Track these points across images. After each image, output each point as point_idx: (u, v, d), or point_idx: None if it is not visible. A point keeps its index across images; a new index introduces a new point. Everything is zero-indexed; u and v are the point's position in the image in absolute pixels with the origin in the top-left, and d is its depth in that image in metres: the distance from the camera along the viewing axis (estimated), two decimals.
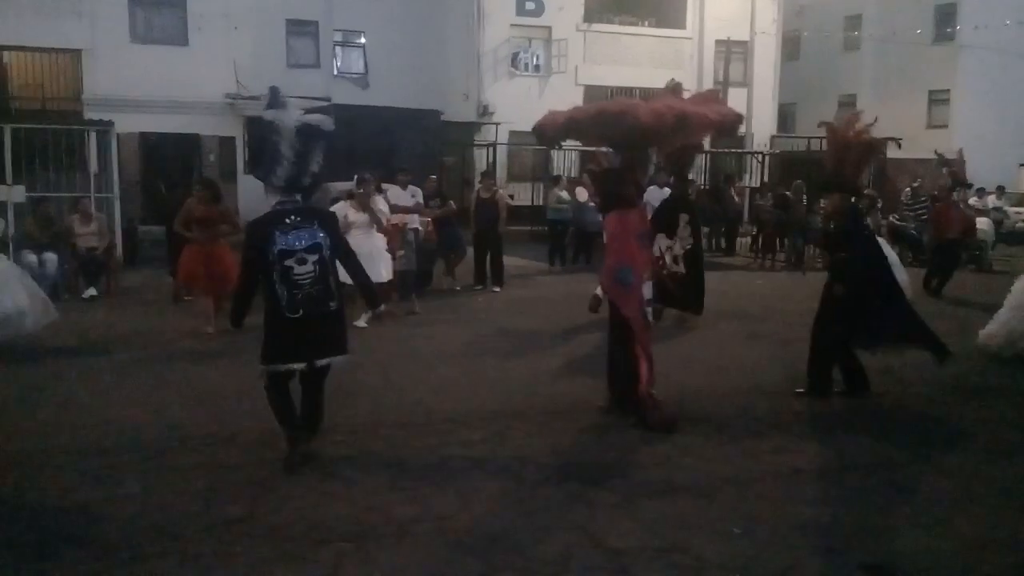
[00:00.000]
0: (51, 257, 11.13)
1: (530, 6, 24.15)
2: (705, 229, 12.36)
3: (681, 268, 9.34)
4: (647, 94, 17.35)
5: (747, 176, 23.04)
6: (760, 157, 22.74)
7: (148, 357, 8.05)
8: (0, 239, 10.59)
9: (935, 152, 15.57)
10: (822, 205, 14.66)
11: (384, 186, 10.93)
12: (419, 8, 23.73)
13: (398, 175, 11.49)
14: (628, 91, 22.49)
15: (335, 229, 5.28)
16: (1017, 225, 20.69)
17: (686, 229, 9.42)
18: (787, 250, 16.35)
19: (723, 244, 18.16)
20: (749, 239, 18.30)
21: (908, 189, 17.08)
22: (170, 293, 10.99)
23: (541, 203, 18.59)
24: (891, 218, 16.35)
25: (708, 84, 24.58)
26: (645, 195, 8.06)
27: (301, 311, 4.89)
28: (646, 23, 25.78)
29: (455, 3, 24.26)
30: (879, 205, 13.46)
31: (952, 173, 13.65)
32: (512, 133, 21.88)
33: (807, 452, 5.55)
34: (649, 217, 7.75)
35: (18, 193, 11.92)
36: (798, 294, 11.88)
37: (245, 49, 19.80)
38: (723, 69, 24.77)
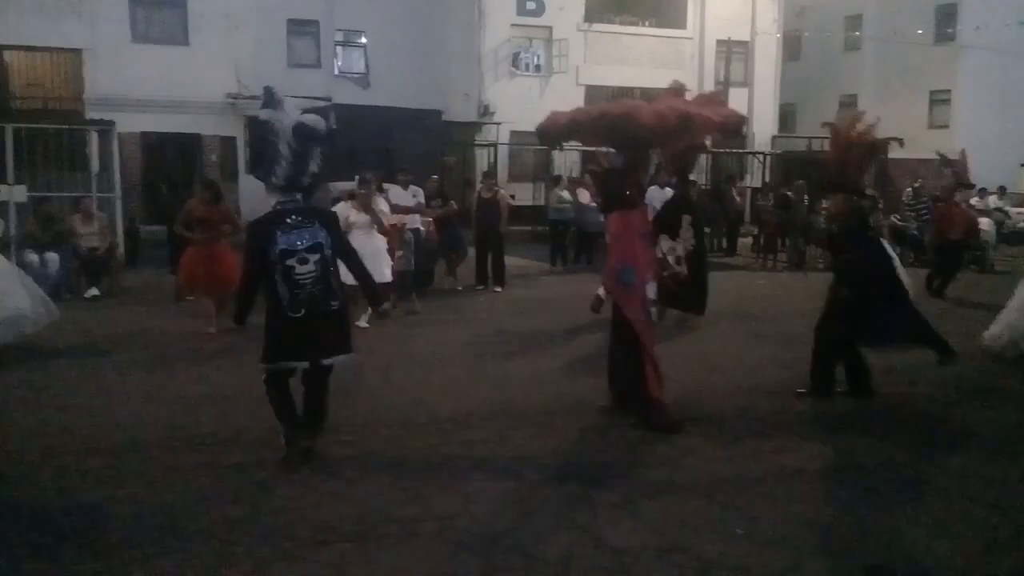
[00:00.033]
0: (53, 257, 11.14)
1: (531, 6, 24.17)
2: (706, 229, 12.34)
3: (683, 269, 9.33)
4: (648, 94, 17.33)
5: (748, 176, 23.06)
6: (761, 157, 22.77)
7: (150, 357, 8.05)
8: (0, 239, 10.56)
9: (936, 152, 15.55)
10: (824, 206, 14.70)
11: (385, 186, 10.94)
12: (420, 8, 23.73)
13: (399, 175, 11.50)
14: (629, 91, 22.54)
15: (336, 228, 5.28)
16: (1019, 225, 20.67)
17: (689, 230, 9.42)
18: (788, 250, 16.35)
19: (724, 244, 18.16)
20: (750, 239, 18.30)
21: (909, 189, 17.07)
22: (172, 292, 10.97)
23: (542, 203, 18.60)
24: (892, 218, 16.33)
25: (709, 84, 24.60)
26: (647, 195, 8.08)
27: (303, 310, 4.89)
28: (647, 23, 25.80)
29: (456, 3, 24.26)
30: (880, 205, 13.45)
31: (955, 174, 13.63)
32: (513, 133, 21.91)
33: (809, 452, 5.53)
34: (651, 218, 7.75)
35: (20, 193, 11.92)
36: (799, 294, 11.89)
37: (246, 49, 19.82)
38: (724, 69, 24.79)
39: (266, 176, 5.07)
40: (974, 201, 17.00)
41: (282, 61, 20.74)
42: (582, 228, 15.50)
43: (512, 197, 16.64)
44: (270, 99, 5.12)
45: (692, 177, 11.70)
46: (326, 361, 5.07)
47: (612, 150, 6.78)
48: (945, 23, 27.89)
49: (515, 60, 24.31)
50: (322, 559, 3.93)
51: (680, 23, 25.90)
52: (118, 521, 4.32)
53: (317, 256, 4.92)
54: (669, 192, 10.75)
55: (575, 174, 19.61)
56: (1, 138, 11.91)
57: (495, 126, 22.62)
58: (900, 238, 15.85)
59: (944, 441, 5.90)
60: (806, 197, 16.12)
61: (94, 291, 11.35)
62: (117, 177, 13.34)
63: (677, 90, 6.48)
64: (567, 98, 19.01)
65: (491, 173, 15.08)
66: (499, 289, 12.42)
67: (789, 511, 4.56)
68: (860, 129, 6.78)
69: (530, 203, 20.10)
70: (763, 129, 25.34)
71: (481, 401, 6.57)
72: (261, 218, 5.12)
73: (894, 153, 13.87)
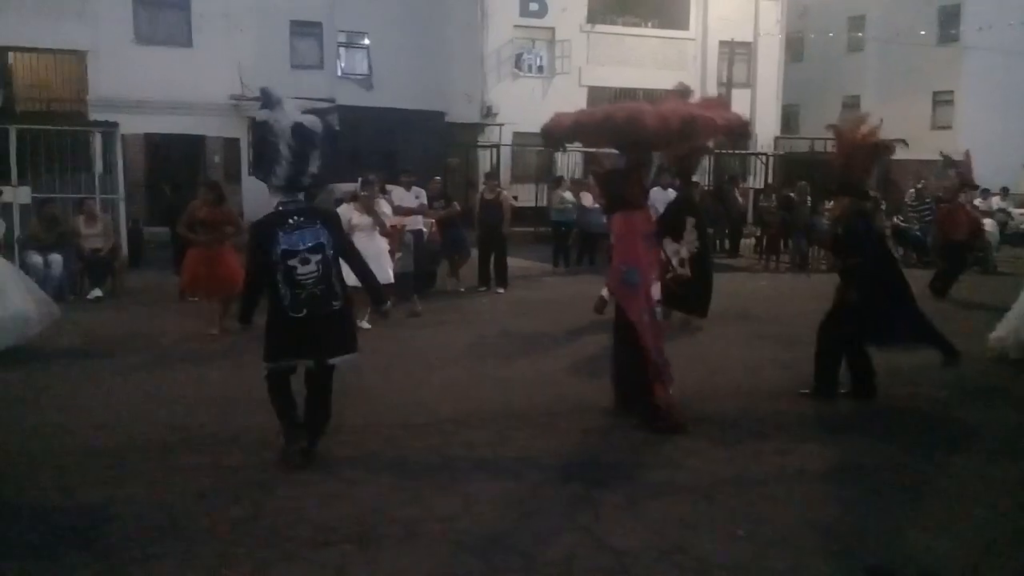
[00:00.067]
0: (56, 258, 11.15)
1: (534, 7, 24.17)
2: (709, 230, 12.34)
3: (687, 271, 9.33)
4: (651, 95, 17.31)
5: (751, 177, 23.02)
6: (764, 158, 22.74)
7: (152, 358, 8.06)
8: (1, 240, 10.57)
9: (940, 154, 15.54)
10: (827, 207, 14.69)
11: (388, 187, 10.95)
12: (423, 9, 23.76)
13: (402, 176, 11.51)
14: (631, 92, 22.58)
15: (339, 229, 5.30)
16: (1022, 227, 20.62)
17: (692, 232, 9.41)
18: (791, 251, 16.33)
19: (727, 245, 18.14)
20: (753, 240, 18.29)
21: (912, 190, 17.05)
22: (175, 293, 10.98)
23: (545, 204, 18.60)
24: (895, 219, 16.32)
25: (712, 85, 24.57)
26: (649, 197, 8.07)
27: (304, 310, 4.91)
28: (649, 24, 25.79)
29: (459, 4, 24.28)
30: (883, 207, 13.44)
31: (959, 175, 13.61)
32: (516, 134, 21.90)
33: (811, 453, 5.53)
34: (654, 220, 7.74)
35: (23, 194, 11.93)
36: (802, 295, 11.88)
37: (249, 50, 19.83)
38: (727, 70, 24.77)
39: (267, 176, 5.08)
40: (977, 202, 16.98)
41: (285, 62, 20.75)
42: (584, 229, 15.49)
43: (515, 198, 16.65)
44: (267, 100, 5.13)
45: (694, 178, 11.69)
46: (329, 361, 5.07)
47: (614, 151, 6.78)
48: (948, 24, 27.84)
49: (518, 61, 24.32)
50: (323, 560, 3.93)
51: (683, 24, 25.89)
52: (119, 521, 4.32)
53: (319, 256, 4.93)
54: (672, 193, 10.75)
55: (578, 175, 19.63)
56: (5, 139, 11.92)
57: (498, 127, 22.61)
58: (902, 239, 15.84)
59: (945, 442, 5.89)
60: (809, 198, 16.11)
61: (97, 292, 11.36)
62: (120, 178, 13.33)
63: (682, 92, 6.49)
64: (570, 99, 19.04)
65: (494, 174, 15.08)
66: (501, 290, 12.42)
67: (790, 512, 4.55)
68: (865, 131, 6.77)
69: (532, 204, 20.10)
70: (766, 130, 25.30)
71: (483, 402, 6.57)
72: (263, 218, 5.13)
73: (897, 154, 13.80)
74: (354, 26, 23.70)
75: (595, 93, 23.66)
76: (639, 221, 6.18)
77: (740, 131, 6.64)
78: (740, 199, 18.52)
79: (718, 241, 17.91)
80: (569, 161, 20.59)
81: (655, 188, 10.67)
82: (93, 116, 17.47)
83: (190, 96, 19.14)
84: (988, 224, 16.03)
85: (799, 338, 8.20)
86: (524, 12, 24.16)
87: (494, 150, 21.30)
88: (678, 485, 4.93)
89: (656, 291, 6.15)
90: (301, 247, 4.90)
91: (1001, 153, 22.27)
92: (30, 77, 20.08)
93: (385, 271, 8.79)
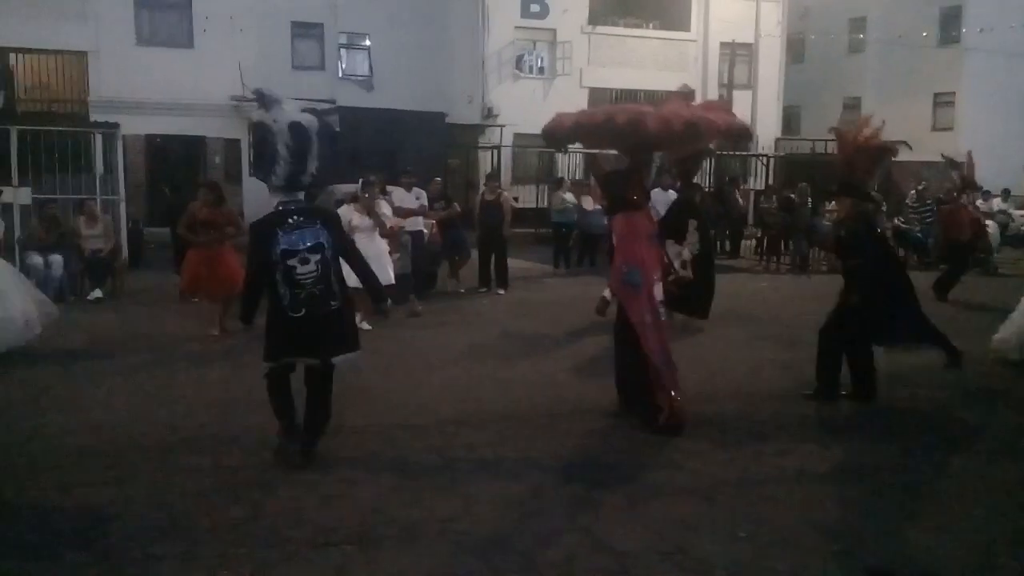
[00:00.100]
0: (57, 259, 11.15)
1: (535, 8, 24.16)
2: (711, 232, 12.35)
3: (689, 274, 9.35)
4: (652, 96, 17.30)
5: (752, 178, 23.00)
6: (765, 160, 22.72)
7: (152, 359, 8.06)
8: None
9: (942, 155, 15.52)
10: (828, 208, 14.69)
11: (389, 188, 10.96)
12: (424, 10, 23.77)
13: (403, 177, 11.52)
14: (633, 93, 22.58)
15: (338, 228, 5.30)
16: (1022, 228, 20.63)
17: (694, 235, 9.44)
18: (791, 253, 16.33)
19: (728, 247, 18.14)
20: (754, 242, 18.28)
21: (913, 192, 17.05)
22: (175, 294, 10.98)
23: (545, 205, 18.60)
24: (896, 221, 16.31)
25: (713, 86, 24.58)
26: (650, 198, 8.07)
27: (303, 310, 4.92)
28: (650, 25, 25.78)
29: (460, 5, 24.29)
30: (884, 208, 13.43)
31: (963, 176, 13.60)
32: (517, 135, 21.90)
33: (811, 454, 5.53)
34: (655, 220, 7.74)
35: (24, 195, 11.94)
36: (802, 297, 11.90)
37: (250, 51, 19.85)
38: (727, 71, 24.76)
39: (267, 177, 5.09)
40: (978, 203, 16.98)
41: (286, 63, 20.78)
42: (585, 230, 15.49)
43: (515, 199, 16.65)
44: (263, 100, 5.14)
45: (695, 180, 11.70)
46: (337, 359, 5.09)
47: (615, 152, 6.79)
48: (950, 25, 27.82)
49: (519, 62, 24.30)
50: (323, 560, 3.93)
51: (684, 25, 25.88)
52: (119, 521, 4.32)
53: (318, 256, 4.94)
54: (672, 195, 10.76)
55: (578, 176, 19.62)
56: (6, 140, 11.93)
57: (499, 128, 22.60)
58: (903, 241, 15.83)
59: (945, 443, 5.89)
60: (809, 199, 16.11)
61: (98, 293, 11.37)
62: (121, 179, 13.33)
63: (686, 94, 6.49)
64: (571, 100, 19.01)
65: (494, 175, 15.06)
66: (502, 291, 12.42)
67: (790, 513, 4.55)
68: (867, 133, 6.78)
69: (533, 205, 20.10)
70: (767, 131, 25.27)
71: (483, 403, 6.57)
72: (263, 218, 5.14)
73: (897, 156, 13.82)
74: (355, 27, 23.71)
75: (596, 94, 23.66)
76: (641, 222, 6.18)
77: (740, 134, 6.65)
78: (741, 200, 18.51)
79: (719, 242, 17.92)
80: (570, 162, 20.59)
81: (656, 189, 10.67)
82: (94, 117, 17.50)
83: (191, 97, 19.17)
84: (989, 226, 16.01)
85: (799, 339, 8.21)
86: (525, 13, 24.15)
87: (495, 151, 21.30)
88: (678, 486, 4.93)
89: (659, 291, 6.15)
90: (301, 247, 4.91)
91: (1002, 155, 22.23)
92: (31, 78, 20.12)
93: (386, 272, 8.81)
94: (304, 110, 5.23)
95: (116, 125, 14.02)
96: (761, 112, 24.44)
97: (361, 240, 8.34)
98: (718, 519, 4.45)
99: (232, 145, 20.37)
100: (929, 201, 16.21)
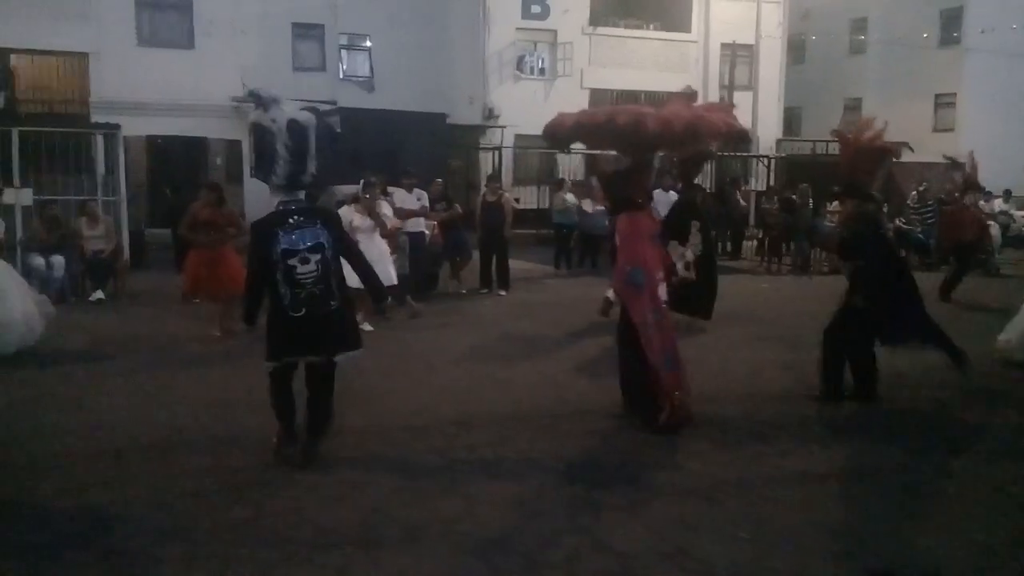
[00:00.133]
0: (58, 260, 11.16)
1: (535, 9, 24.16)
2: (712, 233, 12.35)
3: (692, 275, 9.36)
4: (653, 97, 17.29)
5: (753, 179, 22.99)
6: (766, 160, 22.72)
7: (154, 360, 8.07)
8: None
9: (944, 156, 15.52)
10: (829, 209, 14.69)
11: (390, 189, 10.96)
12: (424, 11, 23.78)
13: (403, 178, 11.52)
14: (633, 94, 22.57)
15: (339, 228, 5.31)
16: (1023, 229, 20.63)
17: (697, 236, 9.45)
18: (793, 254, 16.32)
19: (729, 248, 18.14)
20: (755, 243, 18.28)
21: (914, 193, 17.04)
22: (177, 295, 10.98)
23: (547, 206, 18.61)
24: (897, 222, 16.31)
25: (714, 88, 24.57)
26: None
27: (304, 310, 4.93)
28: (651, 27, 25.77)
29: (460, 6, 24.30)
30: (885, 209, 13.42)
31: (966, 176, 13.60)
32: (518, 136, 21.90)
33: (813, 456, 5.52)
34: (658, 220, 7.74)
35: (26, 196, 11.95)
36: (804, 298, 11.90)
37: (251, 52, 19.86)
38: (728, 73, 24.77)
39: (267, 177, 5.10)
40: (980, 204, 16.97)
41: (287, 64, 20.78)
42: (586, 231, 15.50)
43: (516, 200, 16.65)
44: (259, 101, 5.15)
45: (696, 181, 11.69)
46: (339, 357, 5.10)
47: (615, 152, 6.79)
48: (950, 26, 27.82)
49: (519, 63, 24.30)
50: (324, 561, 3.93)
51: (685, 26, 25.87)
52: (120, 522, 4.33)
53: (318, 256, 4.95)
54: (673, 196, 10.76)
55: (579, 177, 19.62)
56: (7, 141, 11.94)
57: (499, 129, 22.60)
58: (905, 242, 15.81)
59: (946, 444, 5.88)
60: (810, 200, 16.10)
61: (99, 294, 11.38)
62: (122, 180, 13.34)
63: (689, 95, 6.49)
64: (571, 101, 18.99)
65: (495, 176, 15.06)
66: (503, 292, 12.42)
67: (792, 514, 4.55)
68: (870, 135, 6.78)
69: (534, 206, 20.11)
70: (767, 132, 25.28)
71: (484, 403, 6.58)
72: (264, 218, 5.15)
73: (900, 157, 13.81)
74: (356, 28, 23.71)
75: (597, 95, 23.65)
76: (644, 222, 6.18)
77: (740, 136, 6.66)
78: (742, 201, 18.52)
79: (720, 244, 17.92)
80: (571, 163, 20.59)
81: (656, 190, 10.68)
82: (95, 118, 17.51)
83: (192, 98, 19.17)
84: (991, 226, 16.00)
85: (801, 340, 8.21)
86: (526, 14, 24.15)
87: (496, 152, 21.31)
88: (680, 487, 4.93)
89: (663, 292, 6.14)
90: (301, 247, 4.92)
91: (1003, 156, 22.22)
92: (32, 79, 20.12)
93: (388, 272, 8.81)
94: (303, 108, 5.23)
95: (117, 126, 14.03)
96: (762, 113, 24.45)
97: (362, 241, 8.35)
98: (719, 520, 4.45)
99: (233, 146, 20.34)
100: (930, 202, 16.20)
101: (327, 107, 15.59)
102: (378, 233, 9.28)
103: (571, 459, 5.39)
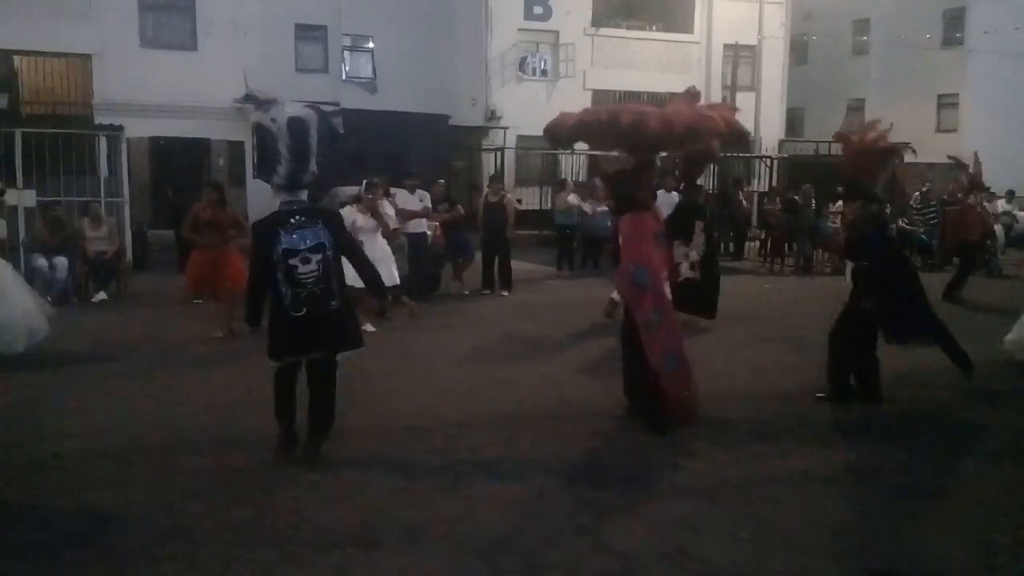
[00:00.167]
0: (61, 261, 11.18)
1: (538, 10, 24.17)
2: (715, 233, 12.35)
3: (696, 274, 9.36)
4: (655, 98, 17.29)
5: (755, 180, 22.98)
6: (768, 161, 22.70)
7: (157, 361, 8.07)
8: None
9: (948, 157, 15.48)
10: (831, 210, 14.66)
11: (392, 191, 10.97)
12: (427, 13, 23.78)
13: (406, 180, 11.54)
14: (636, 95, 22.55)
15: (340, 228, 5.32)
16: None
17: (701, 236, 9.46)
18: (795, 254, 16.31)
19: (731, 248, 18.13)
20: (757, 243, 18.27)
21: (917, 193, 17.03)
22: (179, 296, 11.00)
23: (549, 207, 18.62)
24: (900, 222, 16.29)
25: (716, 88, 24.55)
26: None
27: (304, 309, 4.94)
28: (654, 27, 25.78)
29: (463, 8, 24.30)
30: (888, 210, 13.40)
31: (971, 177, 13.58)
32: (520, 137, 21.91)
33: (814, 456, 5.52)
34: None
35: (28, 197, 11.97)
36: (806, 298, 11.89)
37: (254, 54, 19.85)
38: (731, 73, 24.75)
39: (269, 176, 5.11)
40: (984, 204, 16.92)
41: (290, 66, 20.78)
42: (588, 233, 15.49)
43: (519, 201, 16.65)
44: (258, 101, 5.16)
45: (698, 182, 11.69)
46: (343, 355, 5.12)
47: (618, 153, 6.79)
48: (953, 27, 27.79)
49: (522, 64, 24.30)
50: (325, 562, 3.93)
51: (687, 27, 25.87)
52: (121, 523, 4.33)
53: (319, 256, 4.95)
54: (675, 196, 10.76)
55: (582, 178, 19.62)
56: (11, 143, 11.96)
57: (502, 130, 22.61)
58: (908, 242, 15.79)
59: (949, 445, 5.87)
60: (813, 201, 16.10)
61: (102, 295, 11.40)
62: (125, 181, 13.37)
63: (693, 95, 6.50)
64: (574, 102, 18.93)
65: (498, 177, 15.06)
66: (505, 293, 12.42)
67: (792, 514, 4.55)
68: (874, 136, 6.77)
69: (537, 207, 20.11)
70: (770, 133, 25.26)
71: (486, 404, 6.57)
72: (265, 218, 5.17)
73: (903, 158, 13.78)
74: (359, 30, 23.71)
75: (599, 96, 23.64)
76: (648, 222, 6.18)
77: (741, 135, 6.67)
78: (744, 202, 18.51)
79: (722, 244, 17.91)
80: (573, 164, 20.59)
81: (659, 191, 10.68)
82: (98, 119, 17.54)
83: (195, 100, 19.17)
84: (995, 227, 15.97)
85: (803, 341, 8.21)
86: (528, 15, 24.16)
87: (498, 153, 21.32)
88: (680, 487, 4.93)
89: (667, 291, 6.14)
90: (302, 246, 4.92)
91: (1006, 156, 22.18)
92: (36, 80, 20.16)
93: (391, 273, 8.82)
94: (306, 106, 5.24)
95: (120, 127, 14.06)
96: (765, 114, 24.44)
97: (365, 241, 8.37)
98: (720, 520, 4.45)
99: (236, 147, 20.37)
100: (933, 203, 16.18)
101: (330, 108, 15.59)
102: (380, 233, 9.28)
103: (572, 460, 5.39)
